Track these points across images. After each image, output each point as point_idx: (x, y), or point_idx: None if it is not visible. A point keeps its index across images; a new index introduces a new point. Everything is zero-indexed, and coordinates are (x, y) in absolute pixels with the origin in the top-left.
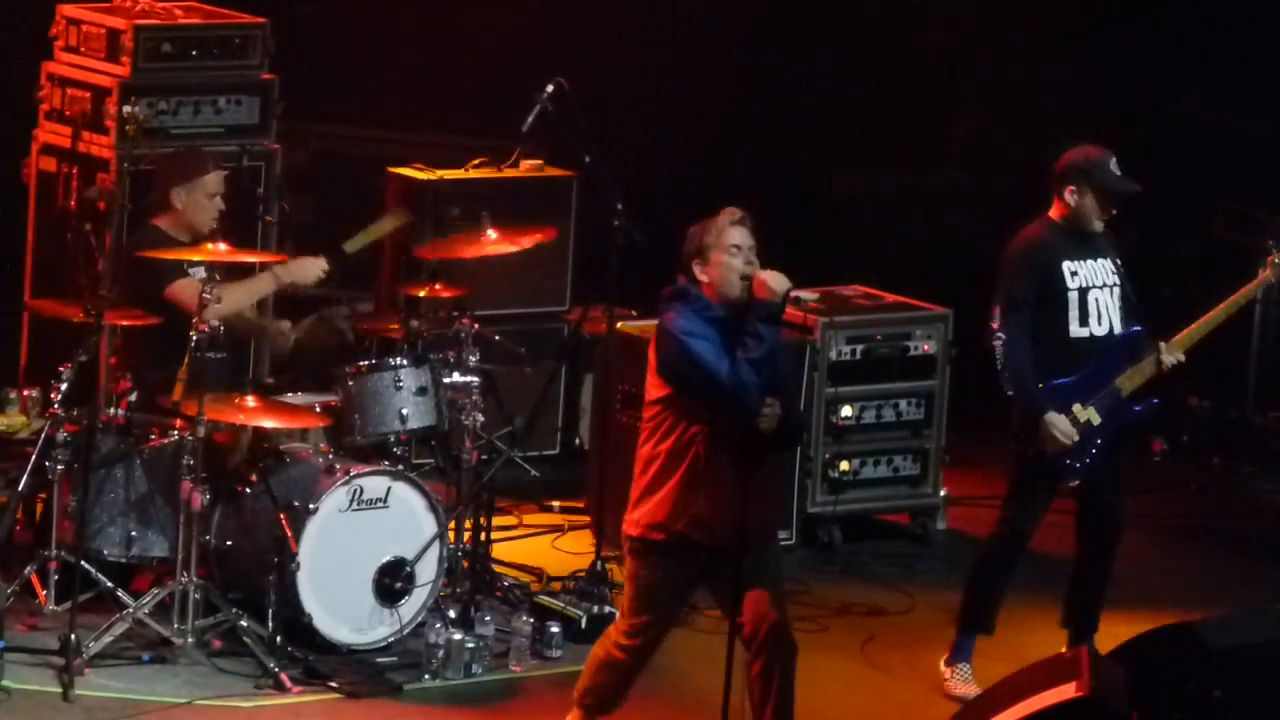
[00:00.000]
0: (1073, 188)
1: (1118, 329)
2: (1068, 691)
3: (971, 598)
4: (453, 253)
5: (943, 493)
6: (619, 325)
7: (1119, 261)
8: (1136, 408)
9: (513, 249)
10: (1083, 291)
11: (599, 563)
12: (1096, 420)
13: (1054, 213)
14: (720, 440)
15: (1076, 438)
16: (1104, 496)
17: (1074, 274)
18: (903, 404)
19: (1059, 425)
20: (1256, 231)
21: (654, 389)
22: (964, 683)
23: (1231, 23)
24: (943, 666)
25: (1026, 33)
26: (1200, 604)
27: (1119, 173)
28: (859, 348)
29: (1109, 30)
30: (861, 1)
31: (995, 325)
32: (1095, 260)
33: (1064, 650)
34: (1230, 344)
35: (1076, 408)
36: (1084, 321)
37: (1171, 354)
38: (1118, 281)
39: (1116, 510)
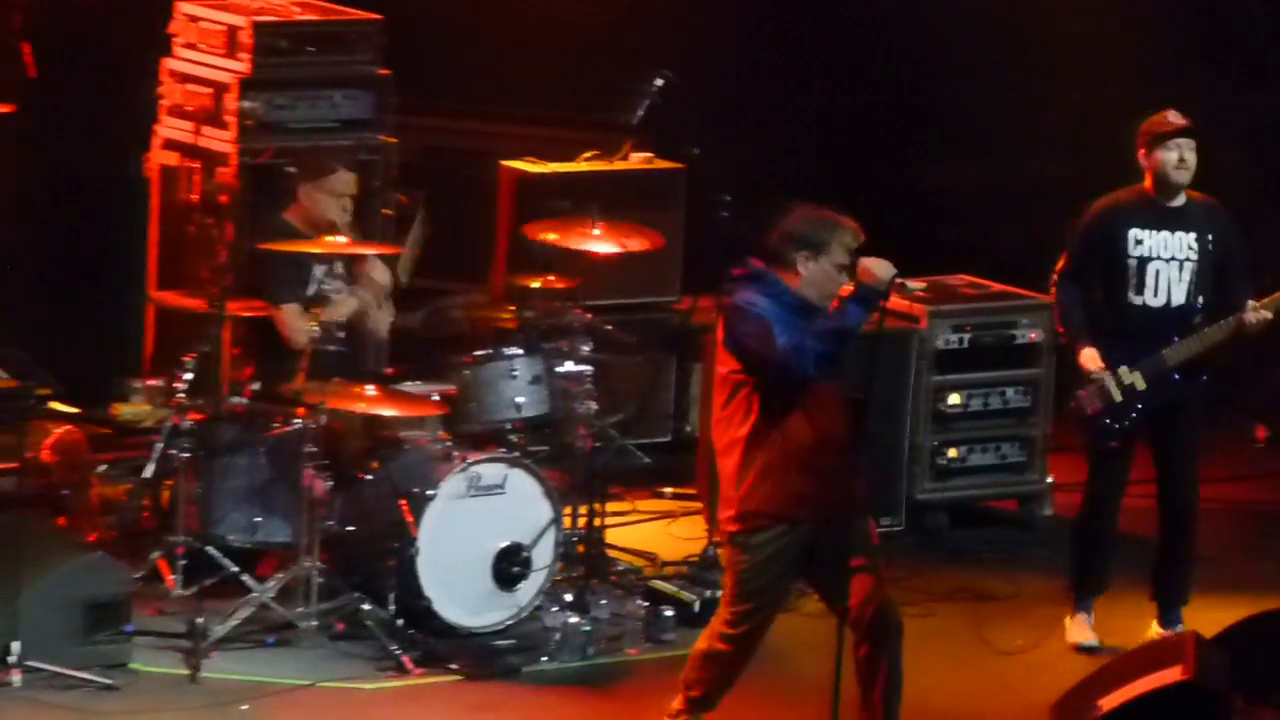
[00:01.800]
0: (1144, 150)
1: (1177, 302)
2: (1172, 675)
3: (1073, 565)
4: (565, 245)
5: (1049, 479)
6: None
7: (1210, 237)
8: (1178, 377)
9: (618, 250)
10: (1142, 261)
11: (711, 548)
12: (1141, 385)
13: (1146, 181)
14: (802, 417)
15: (1124, 382)
16: (1176, 476)
17: (1139, 243)
18: (1009, 391)
19: (1088, 357)
20: None
21: (728, 373)
22: (1079, 629)
23: None
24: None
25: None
26: None
27: (1174, 119)
28: (965, 336)
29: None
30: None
31: (1054, 275)
32: (1172, 233)
33: (1157, 627)
34: None
35: (1123, 370)
36: (1139, 290)
37: (1256, 313)
38: (1192, 257)
39: (1188, 490)
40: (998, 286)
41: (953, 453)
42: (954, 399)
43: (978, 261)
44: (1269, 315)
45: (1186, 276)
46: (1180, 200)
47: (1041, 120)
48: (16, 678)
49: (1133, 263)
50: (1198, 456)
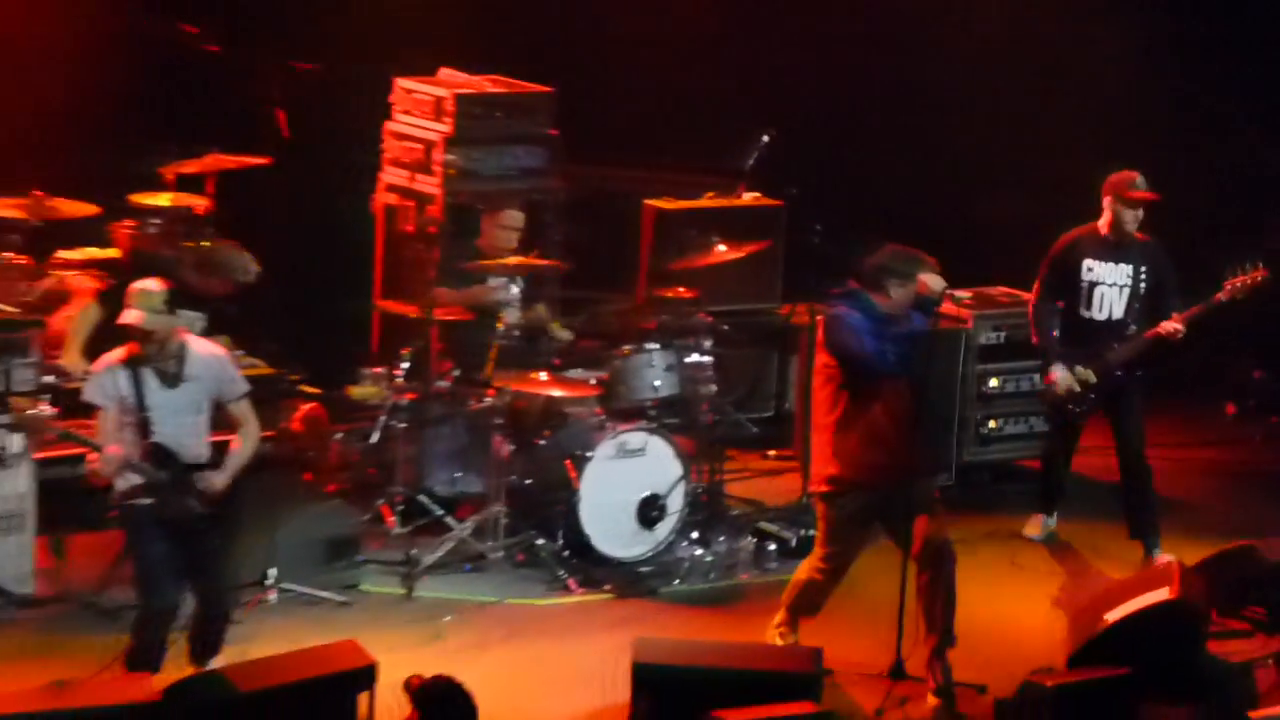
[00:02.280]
0: (1110, 199)
1: (1116, 318)
2: (1162, 594)
3: (1040, 488)
4: (691, 264)
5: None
6: (818, 317)
7: (1144, 270)
8: (1119, 373)
9: (735, 256)
10: (1091, 285)
11: (805, 497)
12: (1093, 379)
13: (1101, 221)
14: (878, 402)
15: (1066, 384)
16: (1127, 439)
17: (1090, 270)
18: (1035, 376)
19: (1059, 373)
20: None
21: (824, 366)
22: (1034, 526)
23: None
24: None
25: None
26: (1263, 529)
27: (1145, 184)
28: (1002, 333)
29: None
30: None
31: (1031, 297)
32: (1116, 264)
33: (1144, 560)
34: None
35: (1079, 368)
36: (1088, 307)
37: (1173, 325)
38: (1129, 284)
39: (1137, 447)
40: (1027, 295)
41: (993, 424)
42: (994, 382)
43: (1013, 275)
44: (1181, 328)
45: (1124, 298)
46: (1126, 240)
47: (1070, 165)
48: (273, 596)
49: (1085, 285)
50: (1144, 423)
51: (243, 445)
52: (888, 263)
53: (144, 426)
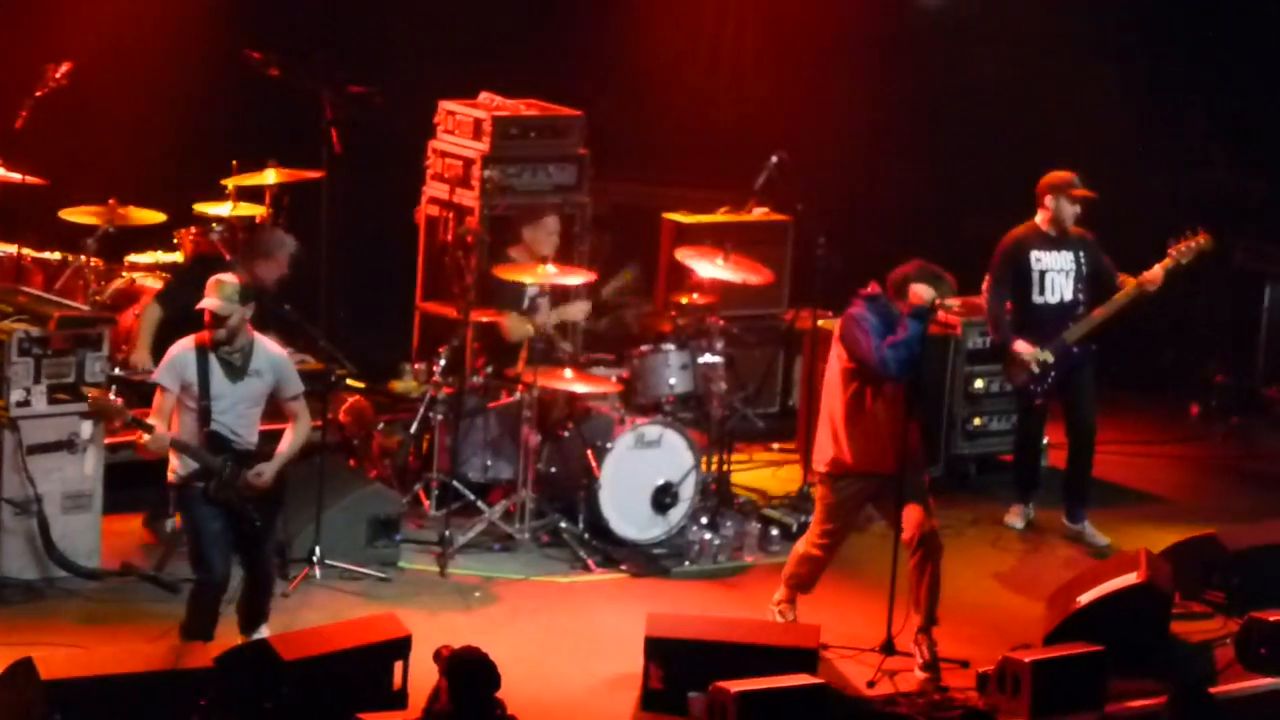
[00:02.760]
0: (1049, 196)
1: (1067, 300)
2: (1130, 579)
3: (1015, 477)
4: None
5: (1045, 440)
6: (820, 322)
7: (1083, 255)
8: (1076, 350)
9: (739, 281)
10: (1042, 273)
11: (805, 486)
12: (1050, 359)
13: (1038, 217)
14: (880, 398)
15: (1040, 358)
16: (1079, 412)
17: (1039, 260)
18: None
19: (1022, 349)
20: (1266, 261)
21: (836, 358)
22: (1014, 515)
23: (1251, 108)
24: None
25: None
26: (1223, 518)
27: (1080, 185)
28: (988, 339)
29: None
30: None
31: (984, 290)
32: (1059, 252)
33: (1066, 522)
34: (1246, 335)
35: (1037, 349)
36: (1041, 293)
37: (1150, 273)
38: (1073, 269)
39: (1088, 420)
40: (1010, 304)
41: (978, 421)
42: (979, 383)
43: None
44: (1160, 273)
45: (1071, 281)
46: (1065, 233)
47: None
48: (318, 572)
49: (1036, 274)
50: (1094, 399)
51: (293, 439)
52: (912, 274)
53: (205, 414)
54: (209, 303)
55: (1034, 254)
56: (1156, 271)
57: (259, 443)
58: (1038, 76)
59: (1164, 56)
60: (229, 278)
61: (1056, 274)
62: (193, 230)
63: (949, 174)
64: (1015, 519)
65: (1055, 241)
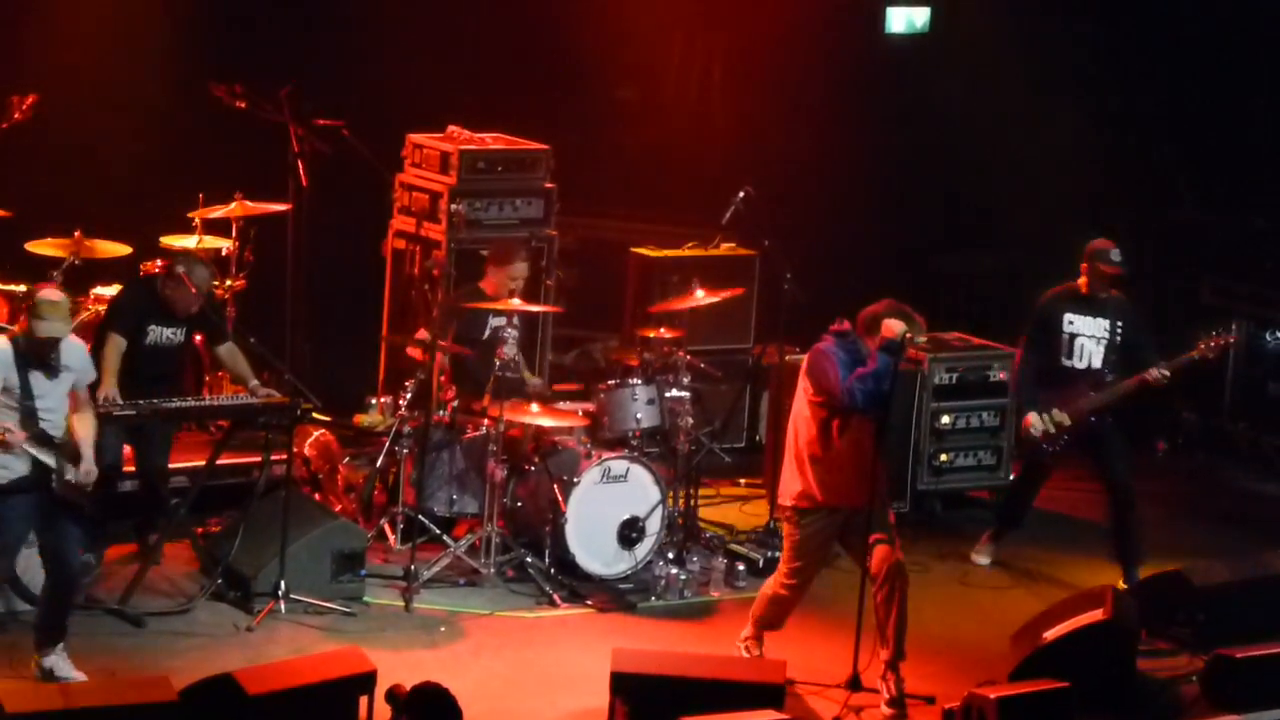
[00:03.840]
0: (1086, 264)
1: (1095, 367)
2: (1096, 616)
3: (997, 517)
4: (671, 306)
5: (1012, 477)
6: (787, 357)
7: (1119, 324)
8: (1093, 419)
9: (712, 300)
10: (1072, 336)
11: (772, 522)
12: (1067, 422)
13: (1082, 281)
14: (848, 432)
15: (1041, 428)
16: (1116, 476)
17: (1071, 323)
18: (984, 414)
19: (1032, 421)
20: (1233, 299)
21: (803, 392)
22: (981, 553)
23: (1218, 147)
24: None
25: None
26: (1190, 555)
27: (1117, 259)
28: (955, 374)
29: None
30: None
31: (1019, 350)
32: (1094, 319)
33: (1123, 585)
34: (1212, 377)
35: (1055, 411)
36: (1069, 357)
37: (1160, 371)
38: (1106, 337)
39: (1125, 481)
40: (978, 340)
41: (944, 457)
42: (946, 419)
43: (966, 322)
44: (1168, 373)
45: (1102, 350)
46: (1102, 297)
47: (1022, 226)
48: (283, 606)
49: (1066, 337)
50: (1131, 459)
51: (88, 425)
52: (883, 312)
53: (31, 413)
54: (57, 330)
55: (1067, 316)
56: (1165, 374)
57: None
58: (1006, 111)
59: (1132, 91)
60: (58, 295)
61: (1087, 339)
62: (157, 263)
63: (916, 210)
64: (982, 556)
65: (1091, 305)
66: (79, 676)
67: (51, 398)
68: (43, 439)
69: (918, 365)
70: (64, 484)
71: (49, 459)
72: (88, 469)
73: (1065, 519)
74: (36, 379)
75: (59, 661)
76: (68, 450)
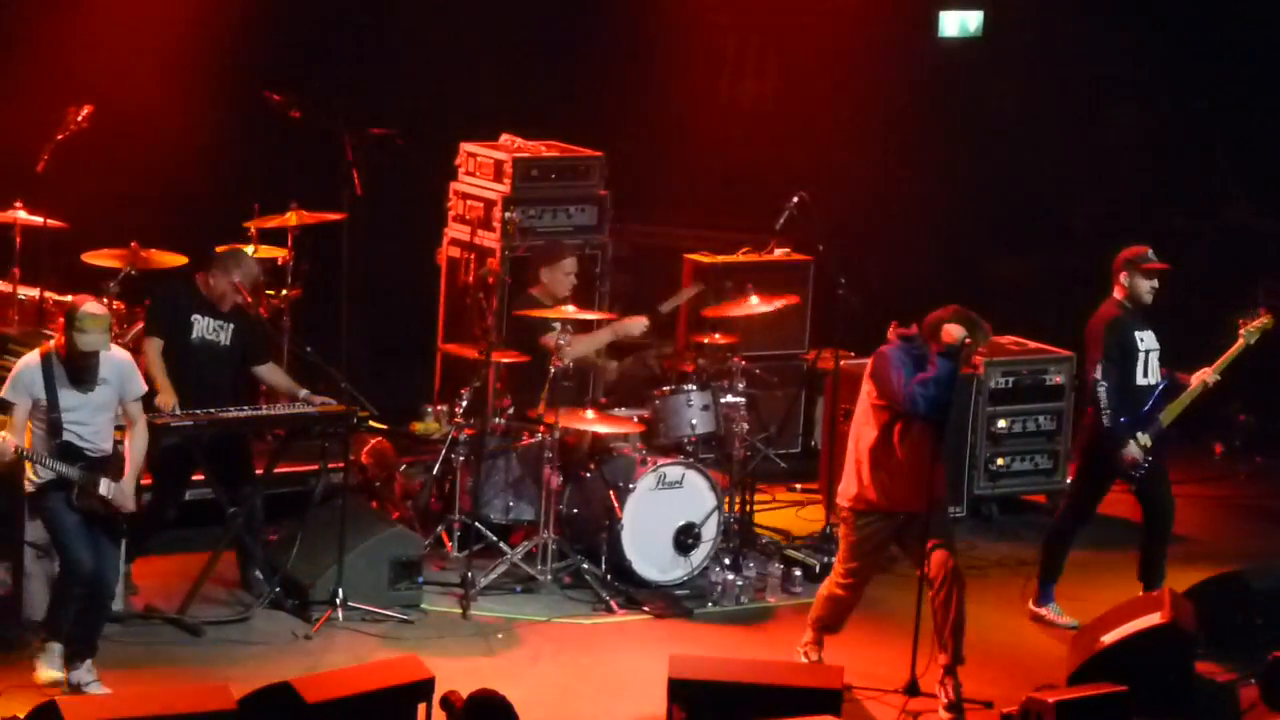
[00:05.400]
0: (1125, 274)
1: (1156, 380)
2: (1154, 619)
3: (1048, 556)
4: (725, 312)
5: (1068, 481)
6: (842, 362)
7: (1162, 334)
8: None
9: (767, 309)
10: (1147, 353)
11: (829, 527)
12: (1149, 444)
13: (1117, 294)
14: (909, 437)
15: (1142, 445)
16: (1160, 498)
17: (1142, 339)
18: (1040, 418)
19: (1133, 452)
20: None
21: (865, 395)
22: (1058, 615)
23: (1272, 149)
24: (1034, 607)
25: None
26: (1247, 558)
27: (1154, 258)
28: (1011, 379)
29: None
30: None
31: (1098, 376)
32: (1148, 331)
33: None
34: (1269, 377)
35: (1140, 435)
36: (1145, 374)
37: (1213, 377)
38: (1157, 347)
39: (1169, 506)
40: (1034, 344)
41: (1001, 461)
42: (1002, 423)
43: (1022, 327)
44: (1218, 377)
45: (1157, 361)
46: (1147, 308)
47: (1072, 232)
48: (340, 614)
49: (1143, 354)
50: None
51: (137, 448)
52: (948, 318)
53: (55, 426)
54: (97, 343)
55: (1137, 334)
56: (1211, 373)
57: (116, 451)
58: (1059, 116)
59: (1185, 96)
60: (100, 309)
61: (1153, 354)
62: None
63: (970, 214)
64: (1054, 615)
65: (1147, 318)
66: (104, 692)
67: (84, 411)
68: (67, 452)
69: (974, 370)
70: (86, 498)
71: (71, 473)
72: (122, 488)
73: (1123, 523)
74: (66, 392)
75: (84, 676)
76: (112, 465)
